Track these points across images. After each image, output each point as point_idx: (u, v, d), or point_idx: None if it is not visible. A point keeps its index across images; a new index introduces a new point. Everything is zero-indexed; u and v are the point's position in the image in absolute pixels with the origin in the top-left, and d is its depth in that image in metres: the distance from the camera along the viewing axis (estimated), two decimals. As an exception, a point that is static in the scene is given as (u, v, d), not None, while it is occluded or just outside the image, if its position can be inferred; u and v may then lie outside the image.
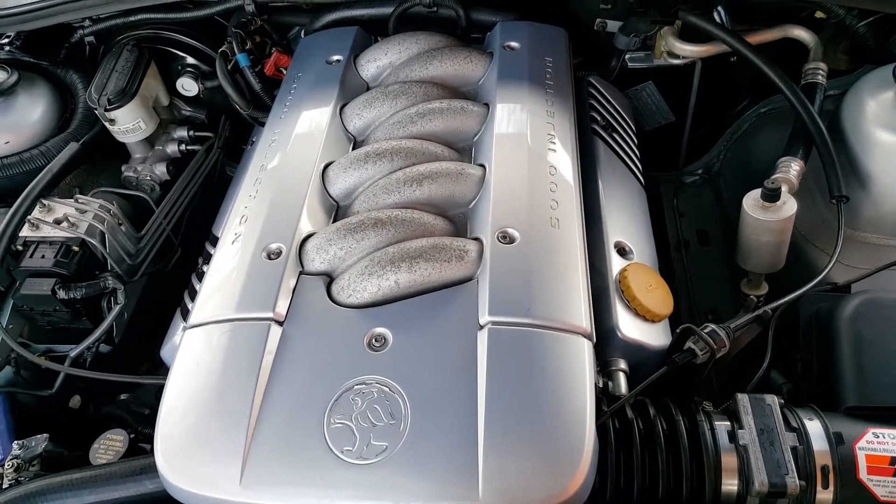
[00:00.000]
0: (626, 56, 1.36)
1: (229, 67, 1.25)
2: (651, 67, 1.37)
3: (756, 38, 1.25)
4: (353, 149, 1.07)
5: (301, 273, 0.89)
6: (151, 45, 1.34)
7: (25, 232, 1.12)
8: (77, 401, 1.15)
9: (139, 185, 1.29)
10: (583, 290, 0.86)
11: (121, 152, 1.37)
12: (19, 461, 0.95)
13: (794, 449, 0.77)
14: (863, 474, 0.75)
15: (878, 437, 0.77)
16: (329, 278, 0.89)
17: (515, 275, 0.85)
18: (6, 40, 1.33)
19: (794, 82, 1.17)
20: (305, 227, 0.94)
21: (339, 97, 1.13)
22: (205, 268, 1.06)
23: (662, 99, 1.50)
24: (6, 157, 1.20)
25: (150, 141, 1.31)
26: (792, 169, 1.05)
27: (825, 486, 0.75)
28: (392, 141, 1.03)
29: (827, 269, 0.93)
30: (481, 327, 0.80)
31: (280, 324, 0.84)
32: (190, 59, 1.35)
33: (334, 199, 1.00)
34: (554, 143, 1.03)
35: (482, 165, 0.99)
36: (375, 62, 1.19)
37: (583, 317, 0.82)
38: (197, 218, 1.35)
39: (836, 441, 0.77)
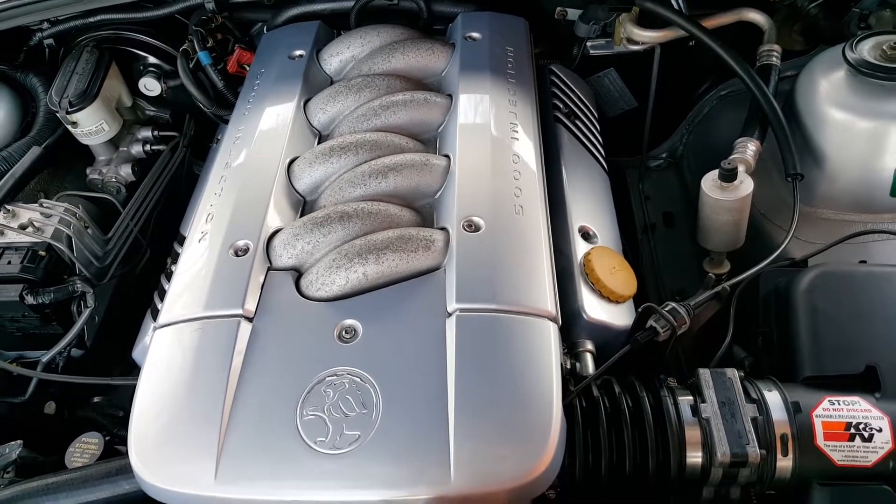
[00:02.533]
0: (587, 44, 1.39)
1: (191, 66, 1.24)
2: (612, 54, 1.40)
3: (712, 22, 1.28)
4: (318, 143, 1.08)
5: (269, 269, 0.90)
6: (112, 46, 1.33)
7: None
8: (52, 407, 1.14)
9: (105, 187, 1.28)
10: (547, 274, 0.87)
11: (85, 155, 1.36)
12: None
13: (754, 419, 0.80)
14: (820, 441, 0.78)
15: (833, 404, 0.80)
16: (297, 273, 0.90)
17: (481, 262, 0.86)
18: None
19: (749, 64, 1.20)
20: (272, 222, 0.95)
21: (303, 92, 1.13)
22: (173, 267, 1.06)
23: (624, 85, 1.52)
24: None
25: (114, 142, 1.30)
26: (748, 149, 1.09)
27: (784, 454, 0.78)
28: (357, 134, 1.04)
29: (783, 246, 0.96)
30: (449, 315, 0.81)
31: (250, 320, 0.84)
32: (152, 59, 1.34)
33: (300, 194, 1.01)
34: (517, 131, 1.04)
35: (447, 156, 1.00)
36: (338, 56, 1.20)
37: (548, 300, 0.84)
38: (164, 218, 1.35)
39: (794, 410, 0.80)
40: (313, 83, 1.17)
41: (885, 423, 0.78)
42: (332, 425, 0.75)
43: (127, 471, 0.87)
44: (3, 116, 1.27)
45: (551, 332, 0.82)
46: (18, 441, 0.98)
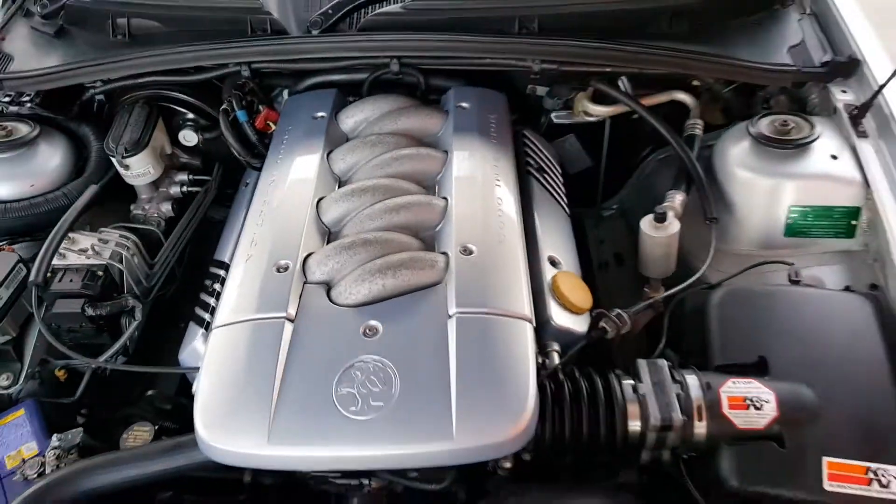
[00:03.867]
0: (552, 114, 1.68)
1: (230, 121, 1.49)
2: (572, 123, 1.69)
3: (650, 101, 1.58)
4: (339, 187, 1.34)
5: (305, 283, 1.13)
6: (157, 103, 1.58)
7: (53, 261, 1.31)
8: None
9: (147, 221, 1.50)
10: (525, 288, 1.13)
11: (123, 195, 1.58)
12: (59, 451, 1.11)
13: (678, 395, 1.05)
14: (725, 409, 1.04)
15: (735, 384, 1.07)
16: (328, 286, 1.13)
17: (474, 278, 1.11)
18: (27, 98, 1.53)
19: (678, 134, 1.52)
20: (306, 247, 1.18)
21: (325, 145, 1.38)
22: (216, 285, 1.29)
23: (582, 148, 1.81)
24: (34, 198, 1.39)
25: (155, 184, 1.53)
26: (676, 199, 1.38)
27: (700, 420, 1.04)
28: (372, 180, 1.29)
29: (702, 270, 1.24)
30: (450, 317, 1.05)
31: (292, 321, 1.06)
32: (189, 115, 1.59)
33: (327, 226, 1.25)
34: (499, 181, 1.32)
35: (445, 198, 1.26)
36: (353, 118, 1.47)
37: (525, 307, 1.10)
38: (191, 249, 1.57)
39: (707, 388, 1.05)
40: (333, 138, 1.42)
41: (772, 397, 1.05)
42: (361, 398, 0.97)
43: (180, 447, 1.07)
44: (61, 159, 1.46)
45: (528, 330, 1.07)
46: (79, 428, 1.16)
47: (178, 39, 1.50)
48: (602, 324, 1.13)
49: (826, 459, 1.02)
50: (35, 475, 1.08)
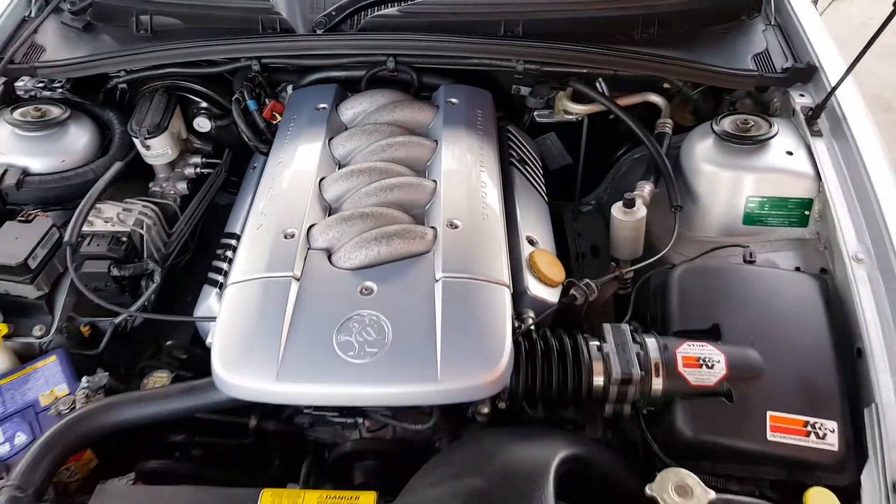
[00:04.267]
0: (535, 113, 1.83)
1: (241, 109, 1.63)
2: (553, 122, 1.84)
3: (625, 101, 1.73)
4: (339, 168, 1.47)
5: (309, 248, 1.26)
6: (175, 92, 1.72)
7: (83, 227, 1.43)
8: None
9: (164, 197, 1.63)
10: (504, 259, 1.26)
11: (142, 175, 1.71)
12: (88, 391, 1.24)
13: (637, 354, 1.18)
14: (680, 367, 1.17)
15: (690, 346, 1.19)
16: (329, 252, 1.26)
17: (459, 248, 1.24)
18: (58, 84, 1.67)
19: (650, 132, 1.66)
20: (310, 218, 1.31)
21: (327, 133, 1.52)
22: (228, 253, 1.42)
23: (562, 146, 1.96)
24: (65, 172, 1.52)
25: (171, 164, 1.66)
26: (645, 188, 1.52)
27: (657, 376, 1.17)
28: (369, 163, 1.43)
29: (667, 248, 1.39)
30: (437, 280, 1.18)
31: (297, 280, 1.19)
32: (203, 104, 1.73)
33: (328, 202, 1.38)
34: (483, 167, 1.45)
35: (434, 181, 1.40)
36: (352, 109, 1.60)
37: (503, 275, 1.22)
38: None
39: (664, 349, 1.19)
40: (333, 127, 1.56)
41: (721, 358, 1.17)
42: (358, 345, 1.10)
43: (196, 389, 1.19)
44: (88, 139, 1.60)
45: (506, 294, 1.20)
46: (105, 372, 1.29)
47: (195, 35, 1.64)
48: (572, 291, 1.27)
49: (770, 413, 1.15)
50: (67, 410, 1.21)
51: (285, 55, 1.62)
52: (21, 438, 1.22)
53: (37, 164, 1.52)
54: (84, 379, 1.26)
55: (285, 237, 1.27)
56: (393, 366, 1.08)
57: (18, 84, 1.66)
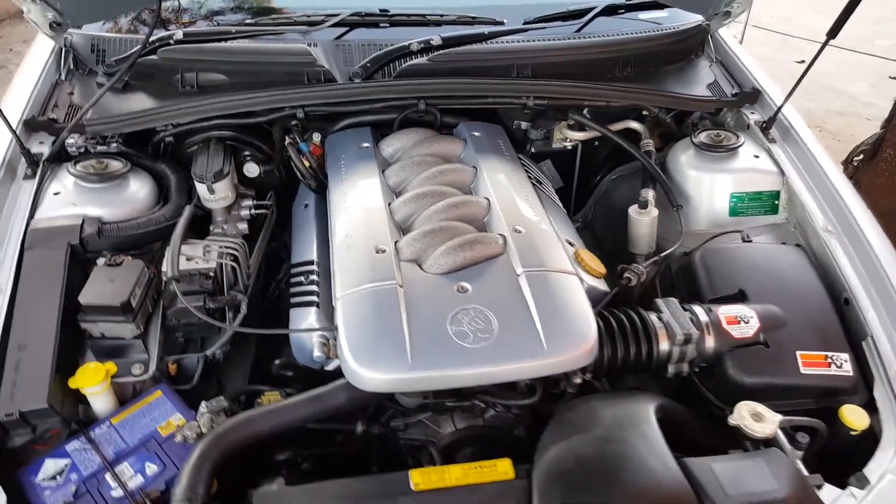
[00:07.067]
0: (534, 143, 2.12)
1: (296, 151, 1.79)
2: (550, 151, 2.12)
3: (612, 128, 2.06)
4: (397, 196, 1.65)
5: (399, 260, 1.43)
6: (226, 141, 1.83)
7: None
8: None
9: (227, 237, 1.73)
10: (565, 254, 1.49)
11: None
12: (210, 415, 1.31)
13: (690, 318, 1.44)
14: (725, 325, 1.43)
15: (727, 308, 1.47)
16: (418, 262, 1.43)
17: (529, 248, 1.45)
18: (112, 139, 1.76)
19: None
20: (392, 236, 1.48)
21: (378, 166, 1.71)
22: (312, 276, 1.55)
23: (556, 171, 2.25)
24: (139, 218, 1.60)
25: (228, 208, 1.77)
26: (649, 194, 1.81)
27: (708, 334, 1.42)
28: (426, 187, 1.62)
29: (682, 236, 1.68)
30: (519, 275, 1.38)
31: (401, 286, 1.36)
32: (247, 151, 1.86)
33: (397, 222, 1.56)
34: (522, 185, 1.69)
35: (486, 198, 1.61)
36: (392, 146, 1.80)
37: (570, 266, 1.46)
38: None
39: (709, 311, 1.46)
40: (379, 161, 1.75)
41: (753, 314, 1.45)
42: (472, 333, 1.26)
43: (323, 395, 1.31)
44: (149, 189, 1.70)
45: (577, 281, 1.42)
46: (220, 396, 1.36)
47: (239, 88, 1.79)
48: (626, 274, 1.51)
49: (799, 353, 1.43)
50: (194, 436, 1.26)
51: (330, 102, 1.80)
52: (152, 468, 1.25)
53: (106, 214, 1.59)
54: (203, 404, 1.31)
55: (377, 252, 1.43)
56: (505, 347, 1.26)
57: (70, 141, 1.72)
